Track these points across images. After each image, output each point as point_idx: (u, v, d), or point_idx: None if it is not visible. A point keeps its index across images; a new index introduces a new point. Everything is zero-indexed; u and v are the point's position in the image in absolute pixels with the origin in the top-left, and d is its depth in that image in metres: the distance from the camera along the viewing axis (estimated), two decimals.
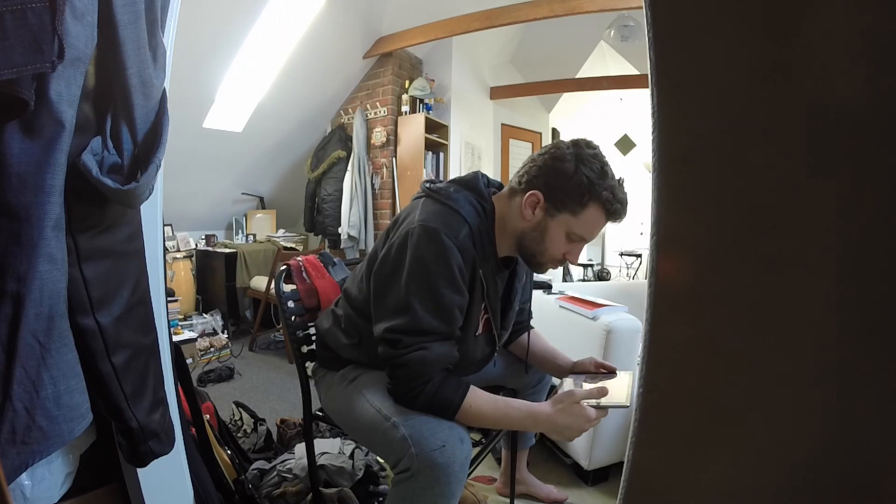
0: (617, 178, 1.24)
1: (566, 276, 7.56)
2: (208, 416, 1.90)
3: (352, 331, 1.37)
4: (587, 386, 1.29)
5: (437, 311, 1.16)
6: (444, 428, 1.15)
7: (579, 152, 1.22)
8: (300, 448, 1.97)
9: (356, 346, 1.36)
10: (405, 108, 4.62)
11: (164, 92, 0.89)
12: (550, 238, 1.25)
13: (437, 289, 1.16)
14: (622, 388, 1.31)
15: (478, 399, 1.18)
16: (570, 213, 1.22)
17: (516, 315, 1.51)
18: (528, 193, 1.24)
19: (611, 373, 1.46)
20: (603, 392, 1.18)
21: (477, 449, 1.33)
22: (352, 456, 1.91)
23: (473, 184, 1.33)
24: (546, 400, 1.23)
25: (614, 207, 1.21)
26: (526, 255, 1.32)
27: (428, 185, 1.34)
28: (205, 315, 4.21)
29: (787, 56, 0.47)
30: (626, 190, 1.24)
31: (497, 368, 1.69)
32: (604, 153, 1.25)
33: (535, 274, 1.54)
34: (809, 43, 0.46)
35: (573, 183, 1.20)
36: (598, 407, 1.17)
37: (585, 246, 1.29)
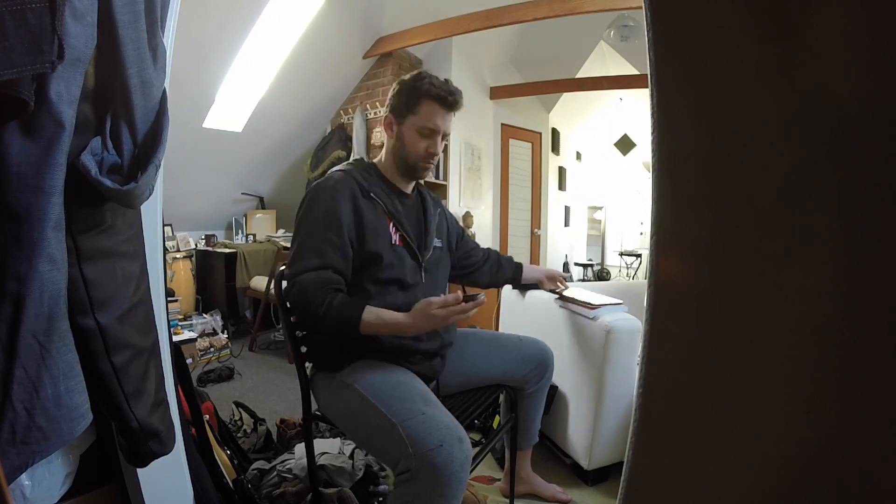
0: (443, 79, 1.57)
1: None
2: (208, 416, 1.90)
3: None
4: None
5: (309, 250, 1.40)
6: (442, 427, 1.16)
7: (403, 78, 1.58)
8: (300, 448, 1.97)
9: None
10: None
11: (164, 92, 0.89)
12: (409, 139, 1.55)
13: (312, 231, 1.43)
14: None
15: (368, 314, 1.34)
16: (412, 114, 1.54)
17: (467, 258, 1.94)
18: (384, 120, 1.61)
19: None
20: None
21: (476, 449, 1.34)
22: (352, 456, 1.91)
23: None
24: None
25: (440, 93, 1.53)
26: (403, 167, 1.60)
27: None
28: (205, 315, 4.21)
29: (786, 54, 0.47)
30: (451, 83, 1.57)
31: (497, 369, 1.71)
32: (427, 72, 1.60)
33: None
34: (808, 41, 0.46)
35: (403, 94, 1.55)
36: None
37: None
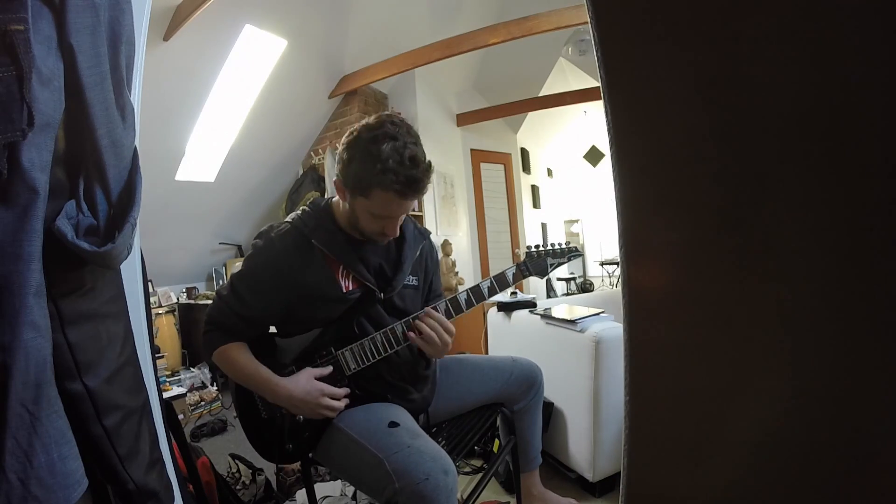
0: (405, 151, 1.25)
1: (550, 293, 7.60)
2: (205, 471, 1.86)
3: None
4: None
5: (238, 290, 1.39)
6: (427, 460, 1.16)
7: (358, 140, 1.29)
8: (301, 494, 1.94)
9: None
10: None
11: (135, 150, 0.89)
12: (361, 217, 1.35)
13: (245, 275, 1.40)
14: None
15: (237, 352, 1.36)
16: (363, 198, 1.30)
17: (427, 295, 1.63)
18: (335, 181, 1.37)
19: None
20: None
21: (479, 475, 1.33)
22: (354, 497, 1.88)
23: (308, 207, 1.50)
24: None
25: (397, 187, 1.25)
26: (357, 233, 1.41)
27: None
28: (192, 369, 4.15)
29: (727, 61, 0.50)
30: (416, 157, 1.27)
31: (495, 387, 1.70)
32: (395, 129, 1.28)
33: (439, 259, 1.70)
34: (747, 48, 0.49)
35: (352, 175, 1.29)
36: None
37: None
